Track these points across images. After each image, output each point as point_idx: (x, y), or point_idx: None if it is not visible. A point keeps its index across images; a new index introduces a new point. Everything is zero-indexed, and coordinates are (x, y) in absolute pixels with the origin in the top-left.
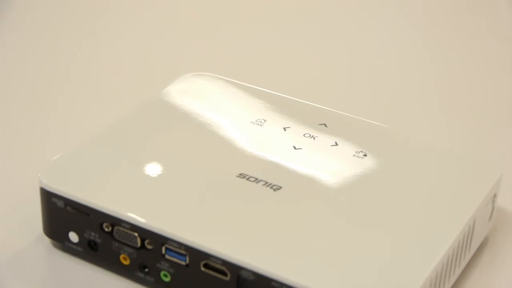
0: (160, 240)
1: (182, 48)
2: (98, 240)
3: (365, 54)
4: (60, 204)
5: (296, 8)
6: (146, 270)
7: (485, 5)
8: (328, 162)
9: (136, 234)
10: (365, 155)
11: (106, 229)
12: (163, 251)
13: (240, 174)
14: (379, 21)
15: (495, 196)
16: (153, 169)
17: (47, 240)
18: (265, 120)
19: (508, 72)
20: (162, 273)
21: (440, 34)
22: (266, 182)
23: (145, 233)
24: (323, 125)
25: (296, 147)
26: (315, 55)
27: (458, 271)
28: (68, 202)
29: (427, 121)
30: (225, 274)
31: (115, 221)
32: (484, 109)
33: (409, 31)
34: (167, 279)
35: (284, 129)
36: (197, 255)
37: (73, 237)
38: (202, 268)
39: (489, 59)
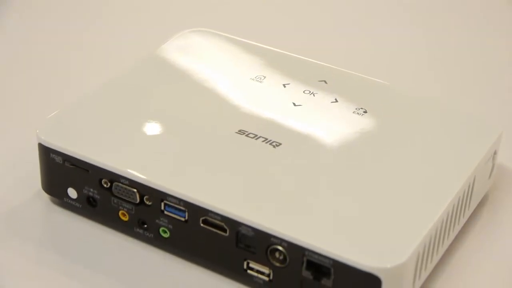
0: (159, 196)
1: (180, 5)
2: (97, 196)
3: (367, 13)
4: (59, 160)
5: None
6: (145, 226)
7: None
8: (328, 118)
9: (135, 190)
10: (365, 111)
11: (105, 185)
12: (162, 207)
13: (240, 131)
14: None
15: (495, 153)
16: (152, 125)
17: (45, 196)
18: (264, 77)
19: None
20: (161, 229)
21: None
22: (266, 139)
23: (144, 189)
24: (323, 82)
25: (296, 104)
26: (317, 12)
27: (457, 228)
28: (67, 158)
29: (427, 85)
30: (224, 230)
31: (114, 177)
32: (485, 73)
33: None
34: (166, 235)
35: (284, 85)
36: (196, 211)
37: (72, 193)
38: (201, 224)
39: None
